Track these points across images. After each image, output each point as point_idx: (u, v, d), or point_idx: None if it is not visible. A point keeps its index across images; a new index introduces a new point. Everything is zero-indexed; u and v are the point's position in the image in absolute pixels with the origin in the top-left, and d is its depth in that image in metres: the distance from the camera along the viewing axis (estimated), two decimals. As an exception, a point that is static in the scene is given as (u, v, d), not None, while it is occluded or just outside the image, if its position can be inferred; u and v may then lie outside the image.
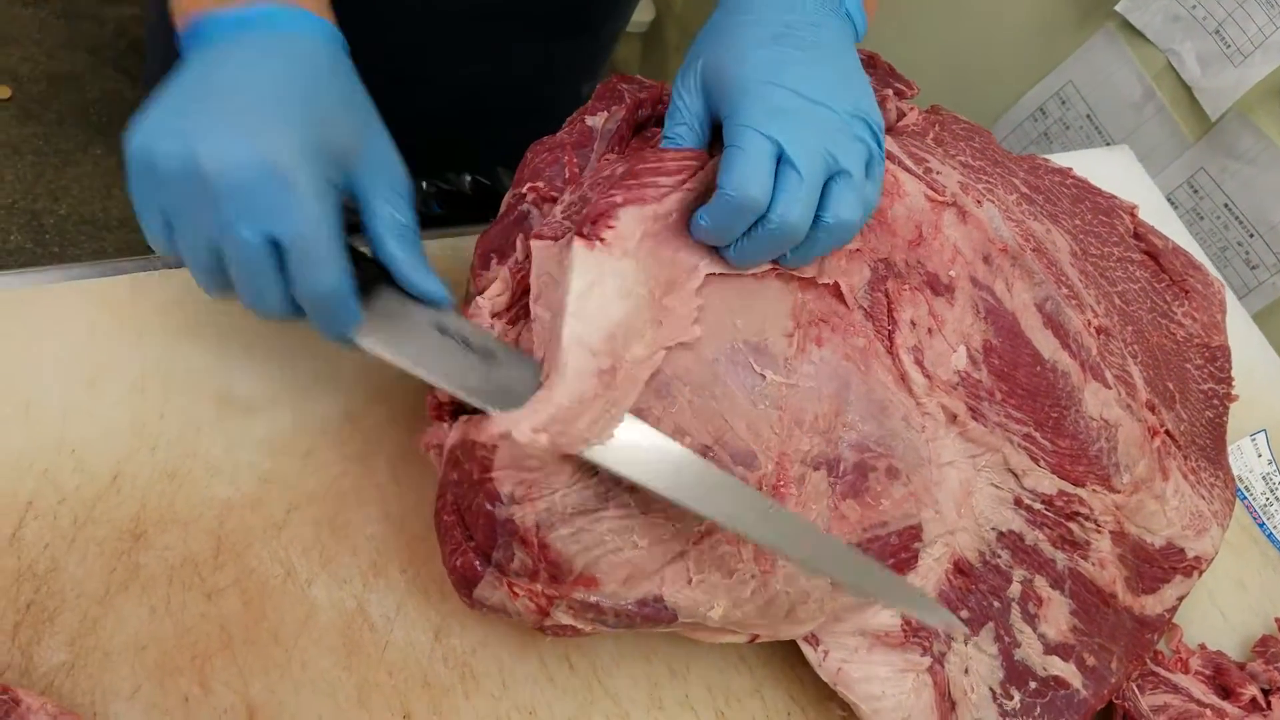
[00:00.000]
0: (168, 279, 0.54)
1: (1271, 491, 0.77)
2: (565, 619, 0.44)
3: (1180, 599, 0.64)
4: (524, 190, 0.53)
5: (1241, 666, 0.65)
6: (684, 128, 0.49)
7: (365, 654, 0.48)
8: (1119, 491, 0.59)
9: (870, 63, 0.64)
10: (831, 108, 0.46)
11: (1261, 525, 0.75)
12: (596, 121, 0.55)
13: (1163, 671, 0.65)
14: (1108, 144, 1.09)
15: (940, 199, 0.56)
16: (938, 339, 0.54)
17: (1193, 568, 0.64)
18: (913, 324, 0.53)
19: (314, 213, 0.41)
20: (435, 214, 0.81)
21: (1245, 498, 0.76)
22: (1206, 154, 1.00)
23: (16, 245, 1.49)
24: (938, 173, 0.58)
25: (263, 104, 0.41)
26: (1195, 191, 1.01)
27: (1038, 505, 0.56)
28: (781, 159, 0.44)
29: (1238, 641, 0.69)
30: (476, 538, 0.44)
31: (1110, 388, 0.60)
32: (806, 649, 0.50)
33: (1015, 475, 0.55)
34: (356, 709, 0.47)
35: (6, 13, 1.74)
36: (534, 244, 0.49)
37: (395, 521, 0.51)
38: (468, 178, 0.85)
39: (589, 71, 0.86)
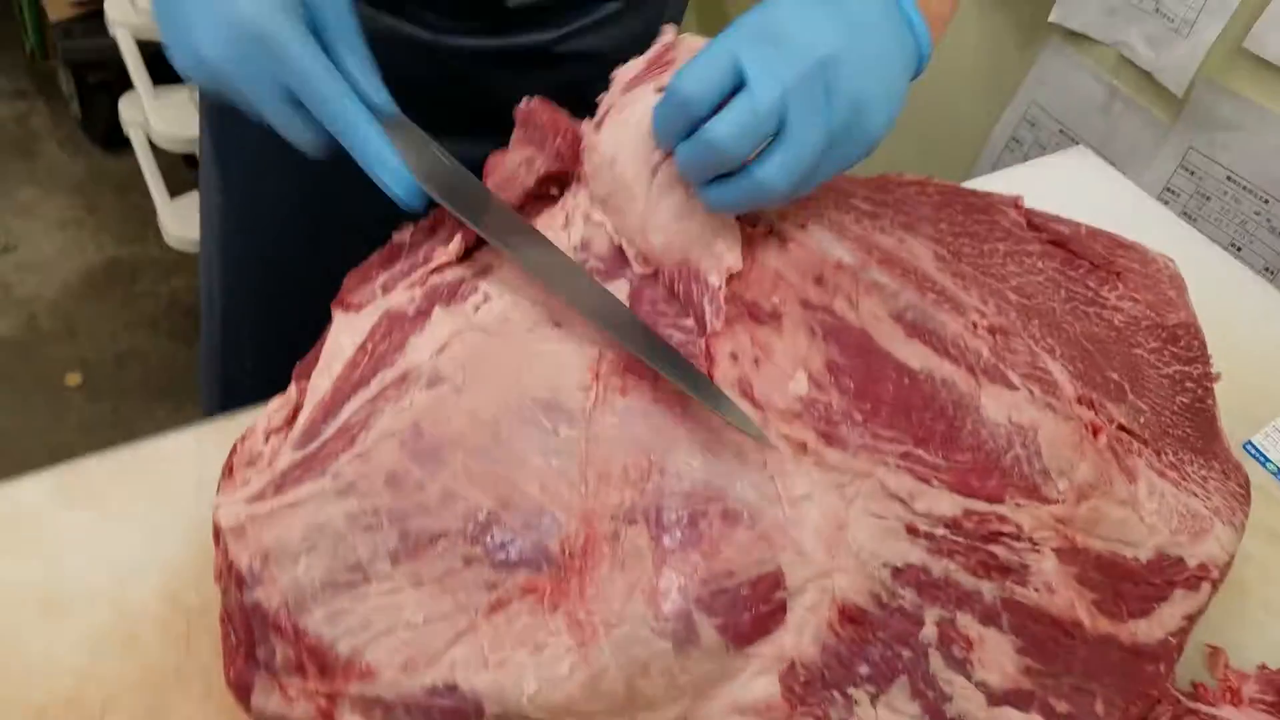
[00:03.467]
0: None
1: (1319, 474, 0.67)
2: None
3: (1190, 617, 0.56)
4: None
5: (1300, 683, 0.56)
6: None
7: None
8: (1055, 502, 0.54)
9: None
10: (820, 62, 0.46)
11: (1310, 513, 0.66)
12: (402, 237, 0.58)
13: (1205, 708, 0.57)
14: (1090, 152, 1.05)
15: (753, 229, 0.55)
16: (767, 367, 0.51)
17: (1199, 578, 0.57)
18: (734, 357, 0.51)
19: (305, 55, 0.47)
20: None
21: (1285, 486, 0.67)
22: (1189, 132, 0.95)
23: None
24: (752, 207, 0.57)
25: None
26: (1192, 174, 0.95)
27: (940, 531, 0.51)
28: (745, 84, 0.45)
29: (1303, 655, 0.60)
30: (240, 635, 0.44)
31: (1017, 388, 0.56)
32: (679, 739, 0.46)
33: (901, 500, 0.51)
34: None
35: (77, 307, 1.97)
36: (336, 315, 0.51)
37: (218, 697, 0.50)
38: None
39: None
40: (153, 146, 1.81)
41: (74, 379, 1.85)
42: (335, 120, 0.48)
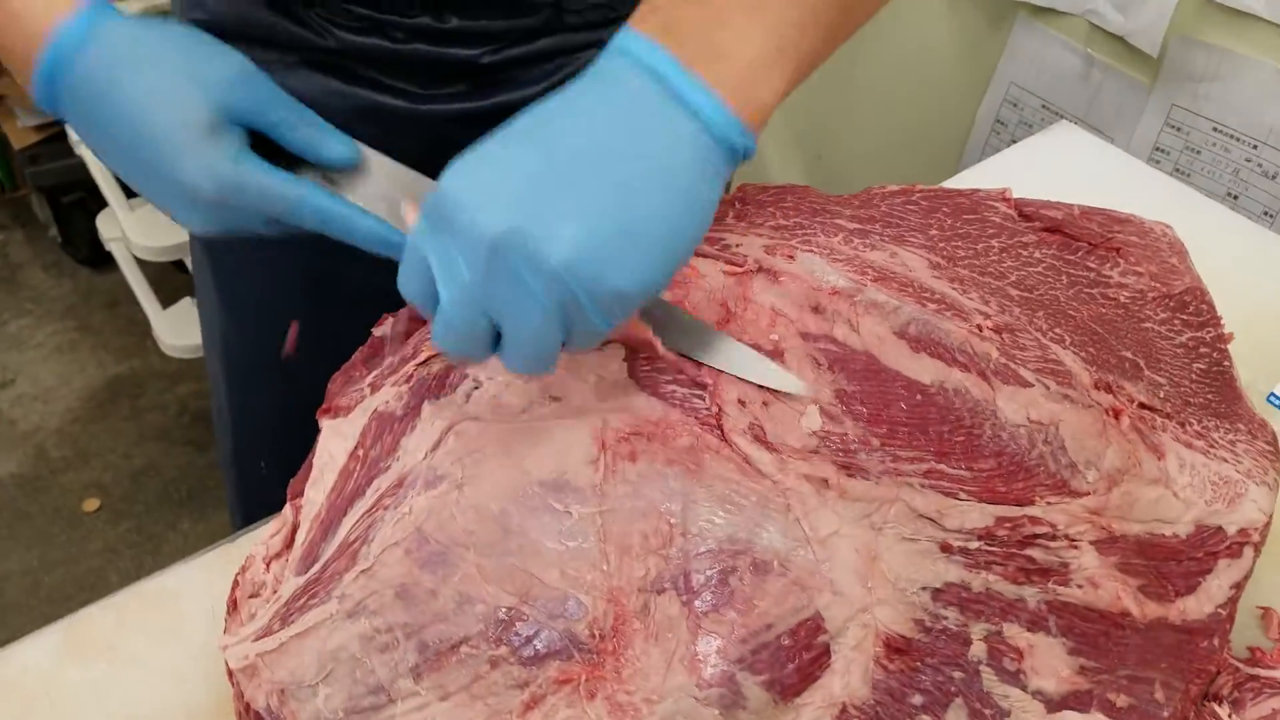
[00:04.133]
0: (4, 660, 0.57)
1: (1355, 419, 0.68)
2: None
3: (1237, 585, 0.56)
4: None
5: (1364, 640, 0.56)
6: None
7: None
8: (1086, 494, 0.54)
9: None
10: (493, 247, 0.40)
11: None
12: (384, 330, 0.59)
13: (1265, 672, 0.57)
14: (1075, 125, 1.06)
15: (741, 269, 0.56)
16: (777, 408, 0.52)
17: (1240, 544, 0.57)
18: (741, 403, 0.52)
19: (261, 189, 0.49)
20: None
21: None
22: (1170, 89, 0.95)
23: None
24: (737, 245, 0.58)
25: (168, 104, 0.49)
26: (1179, 130, 0.96)
27: (974, 544, 0.51)
28: None
29: (1364, 610, 0.60)
30: (270, 784, 0.44)
31: (1031, 385, 0.56)
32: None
33: (930, 520, 0.51)
34: None
35: (85, 431, 1.99)
36: (324, 423, 0.52)
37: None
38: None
39: None
40: (137, 259, 1.85)
41: (92, 504, 1.87)
42: (315, 223, 0.51)
